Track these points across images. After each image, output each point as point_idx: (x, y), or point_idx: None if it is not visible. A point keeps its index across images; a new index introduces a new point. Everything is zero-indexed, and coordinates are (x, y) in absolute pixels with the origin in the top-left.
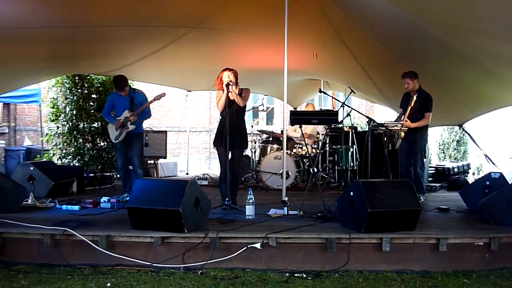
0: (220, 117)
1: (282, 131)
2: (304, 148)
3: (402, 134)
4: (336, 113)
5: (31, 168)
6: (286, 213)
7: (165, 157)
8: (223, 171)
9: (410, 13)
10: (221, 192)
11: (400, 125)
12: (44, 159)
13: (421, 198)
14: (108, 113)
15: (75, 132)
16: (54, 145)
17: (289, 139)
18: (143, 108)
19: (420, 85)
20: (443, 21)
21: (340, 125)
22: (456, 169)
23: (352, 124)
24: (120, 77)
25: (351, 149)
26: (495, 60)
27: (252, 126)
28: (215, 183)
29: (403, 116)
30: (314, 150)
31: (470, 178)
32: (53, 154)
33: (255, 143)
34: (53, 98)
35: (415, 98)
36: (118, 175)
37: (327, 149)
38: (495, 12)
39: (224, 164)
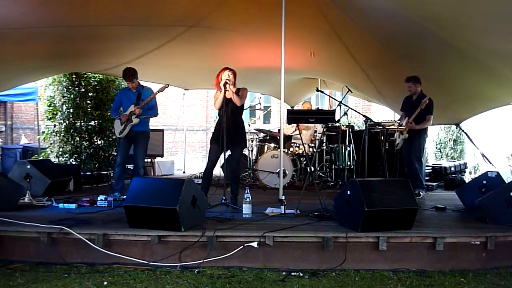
0: (218, 116)
1: (279, 130)
2: (301, 147)
3: (406, 135)
4: (333, 112)
5: (28, 166)
6: (283, 212)
7: (162, 156)
8: (207, 168)
9: (409, 11)
10: (202, 188)
11: (397, 124)
12: (41, 158)
13: (421, 193)
14: (116, 110)
15: (72, 131)
16: (51, 144)
17: (287, 137)
18: (148, 101)
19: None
20: (443, 18)
21: (337, 124)
22: (453, 168)
23: (349, 123)
24: (130, 69)
25: (348, 148)
26: (496, 57)
27: (249, 125)
28: (212, 182)
29: (405, 119)
30: (311, 149)
31: (467, 177)
32: (50, 153)
33: (252, 142)
34: (50, 97)
35: (427, 101)
36: (113, 172)
37: (324, 148)
38: (497, 10)
39: (211, 161)
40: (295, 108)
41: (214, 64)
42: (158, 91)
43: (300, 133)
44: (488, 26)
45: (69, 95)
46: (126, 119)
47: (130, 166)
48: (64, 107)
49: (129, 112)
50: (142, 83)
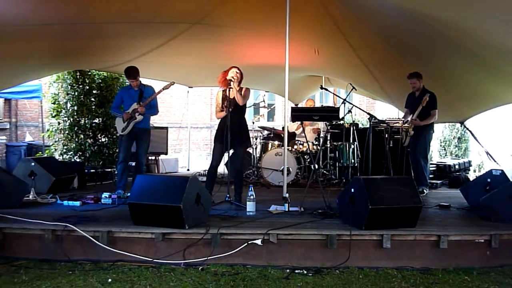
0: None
1: (283, 128)
2: (305, 144)
3: (412, 132)
4: (337, 110)
5: (32, 163)
6: (287, 210)
7: (166, 153)
8: (211, 166)
9: (413, 8)
10: (206, 186)
11: (402, 122)
12: (45, 155)
13: (425, 190)
14: (117, 108)
15: (76, 128)
16: (55, 141)
17: (291, 135)
18: (152, 98)
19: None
20: (447, 16)
21: (341, 122)
22: (457, 166)
23: (353, 121)
24: (132, 67)
25: (352, 146)
26: (501, 55)
27: (253, 123)
28: (216, 180)
29: (410, 116)
30: (315, 147)
31: (471, 175)
32: (54, 150)
33: (256, 139)
34: (54, 94)
35: (428, 98)
36: (115, 169)
37: (328, 145)
38: (501, 7)
39: (215, 159)
40: (299, 105)
41: (218, 61)
42: (164, 88)
43: (304, 131)
44: (492, 23)
45: (73, 93)
46: (129, 116)
47: (131, 163)
48: (68, 105)
49: (132, 110)
50: (144, 81)
